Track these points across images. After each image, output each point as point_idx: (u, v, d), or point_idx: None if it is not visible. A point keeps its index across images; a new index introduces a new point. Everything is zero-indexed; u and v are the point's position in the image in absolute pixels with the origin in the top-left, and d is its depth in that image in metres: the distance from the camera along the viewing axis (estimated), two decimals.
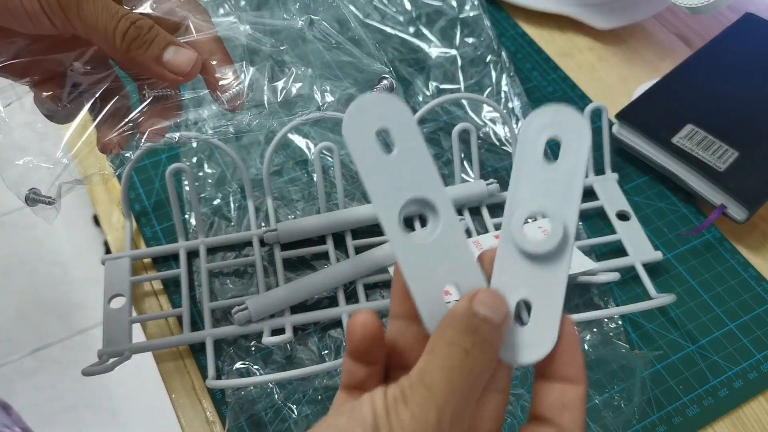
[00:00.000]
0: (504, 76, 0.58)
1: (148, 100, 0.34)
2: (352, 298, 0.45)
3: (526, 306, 0.27)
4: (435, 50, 0.60)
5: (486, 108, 0.57)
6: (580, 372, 0.26)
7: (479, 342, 0.24)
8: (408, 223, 0.23)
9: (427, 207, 0.26)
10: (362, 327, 0.26)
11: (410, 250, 0.25)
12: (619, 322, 0.45)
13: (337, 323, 0.45)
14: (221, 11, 0.60)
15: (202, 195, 0.51)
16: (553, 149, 0.46)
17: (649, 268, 0.47)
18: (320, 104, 0.54)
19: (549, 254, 0.26)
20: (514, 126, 0.55)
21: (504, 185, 0.52)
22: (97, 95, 0.34)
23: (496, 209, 0.51)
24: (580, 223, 0.50)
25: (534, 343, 0.26)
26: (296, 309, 0.45)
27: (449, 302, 0.26)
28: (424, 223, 0.25)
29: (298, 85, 0.41)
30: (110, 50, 0.31)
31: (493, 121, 0.56)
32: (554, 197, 0.26)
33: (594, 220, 0.51)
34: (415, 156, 0.26)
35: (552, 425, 0.26)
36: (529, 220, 0.23)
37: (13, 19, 0.30)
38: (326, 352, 0.44)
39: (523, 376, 0.43)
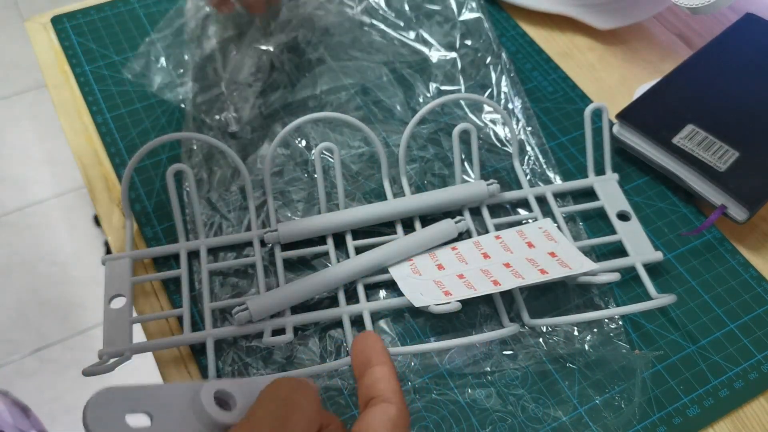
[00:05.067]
0: (504, 76, 0.58)
1: None
2: (352, 298, 0.45)
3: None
4: (435, 53, 0.60)
5: (486, 108, 0.57)
6: (383, 357, 0.33)
7: (296, 387, 0.29)
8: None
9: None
10: None
11: None
12: (620, 323, 0.45)
13: (337, 324, 0.45)
14: None
15: (203, 195, 0.51)
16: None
17: (650, 268, 0.47)
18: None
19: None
20: (515, 126, 0.55)
21: (504, 185, 0.52)
22: None
23: (497, 209, 0.51)
24: (581, 223, 0.50)
25: None
26: (297, 309, 0.45)
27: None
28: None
29: None
30: None
31: (493, 121, 0.56)
32: None
33: (594, 220, 0.51)
34: (166, 400, 0.28)
35: (375, 399, 0.31)
36: None
37: None
38: (327, 352, 0.44)
39: (523, 377, 0.43)
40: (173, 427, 0.28)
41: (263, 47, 0.58)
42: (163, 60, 0.58)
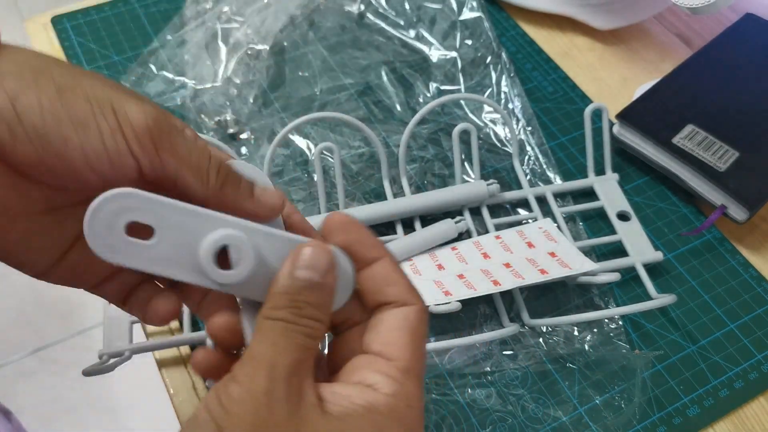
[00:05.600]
0: (504, 76, 0.58)
1: None
2: None
3: None
4: (436, 52, 0.60)
5: (486, 109, 0.57)
6: (377, 249, 0.27)
7: (297, 312, 0.25)
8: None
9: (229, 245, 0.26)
10: (202, 360, 0.27)
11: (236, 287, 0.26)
12: (620, 323, 0.45)
13: None
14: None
15: None
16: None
17: (650, 268, 0.47)
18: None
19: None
20: (515, 126, 0.55)
21: (504, 185, 0.52)
22: None
23: (497, 209, 0.51)
24: (581, 223, 0.50)
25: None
26: None
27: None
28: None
29: None
30: (200, 187, 0.27)
31: (493, 121, 0.56)
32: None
33: (594, 220, 0.51)
34: (173, 223, 0.26)
35: (389, 305, 0.27)
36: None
37: (86, 163, 0.25)
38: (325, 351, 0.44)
39: (523, 377, 0.43)
40: (172, 253, 0.26)
41: (261, 47, 0.58)
42: (162, 68, 0.58)
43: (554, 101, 0.58)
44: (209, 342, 0.30)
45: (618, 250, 0.49)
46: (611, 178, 0.52)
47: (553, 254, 0.45)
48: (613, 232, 0.49)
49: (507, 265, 0.44)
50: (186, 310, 0.44)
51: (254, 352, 0.24)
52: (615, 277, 0.43)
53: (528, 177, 0.52)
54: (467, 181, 0.51)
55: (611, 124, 0.53)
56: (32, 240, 0.27)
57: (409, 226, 0.49)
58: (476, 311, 0.45)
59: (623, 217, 0.50)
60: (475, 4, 0.62)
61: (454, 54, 0.60)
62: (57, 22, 0.62)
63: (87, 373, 0.41)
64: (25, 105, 0.24)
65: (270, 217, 0.28)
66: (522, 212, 0.51)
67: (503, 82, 0.58)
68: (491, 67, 0.59)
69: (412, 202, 0.48)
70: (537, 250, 0.45)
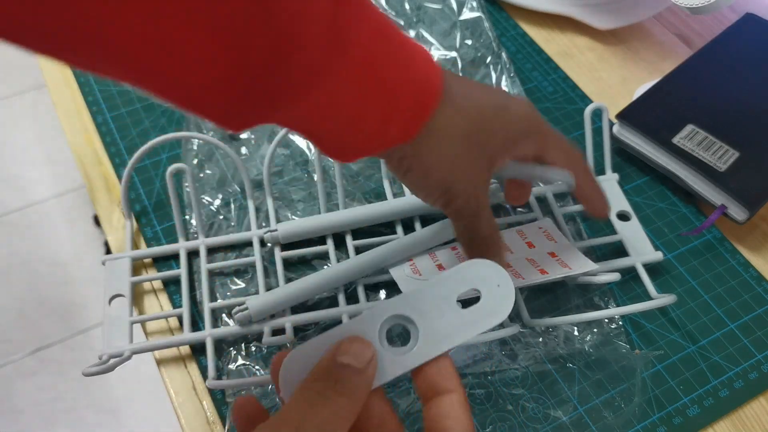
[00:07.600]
0: (504, 76, 0.58)
1: None
2: (352, 298, 0.45)
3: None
4: (436, 52, 0.60)
5: None
6: (452, 381, 0.29)
7: (333, 385, 0.26)
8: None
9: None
10: (239, 409, 0.29)
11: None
12: (620, 323, 0.45)
13: (337, 324, 0.45)
14: None
15: (203, 195, 0.51)
16: None
17: (650, 268, 0.47)
18: None
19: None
20: None
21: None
22: None
23: (497, 209, 0.51)
24: (581, 224, 0.50)
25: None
26: (297, 309, 0.45)
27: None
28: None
29: None
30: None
31: None
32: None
33: (594, 220, 0.51)
34: None
35: None
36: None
37: None
38: None
39: (524, 376, 0.43)
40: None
41: None
42: None
43: (554, 101, 0.58)
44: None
45: (618, 250, 0.49)
46: (611, 178, 0.52)
47: (553, 254, 0.45)
48: (613, 232, 0.49)
49: (507, 265, 0.44)
50: (187, 310, 0.44)
51: (283, 414, 0.25)
52: (615, 277, 0.43)
53: None
54: None
55: (611, 124, 0.53)
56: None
57: (409, 226, 0.49)
58: None
59: (623, 217, 0.50)
60: (475, 4, 0.62)
61: (454, 54, 0.60)
62: None
63: (87, 373, 0.41)
64: (455, 193, 0.35)
65: None
66: (522, 212, 0.51)
67: (503, 82, 0.58)
68: (491, 67, 0.59)
69: (413, 201, 0.48)
70: (537, 250, 0.45)
